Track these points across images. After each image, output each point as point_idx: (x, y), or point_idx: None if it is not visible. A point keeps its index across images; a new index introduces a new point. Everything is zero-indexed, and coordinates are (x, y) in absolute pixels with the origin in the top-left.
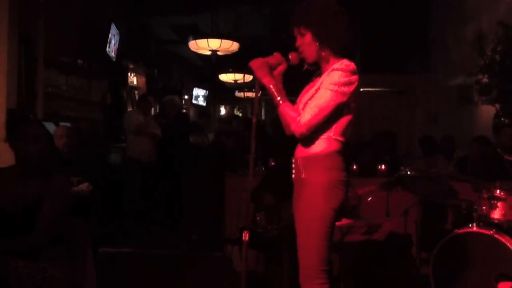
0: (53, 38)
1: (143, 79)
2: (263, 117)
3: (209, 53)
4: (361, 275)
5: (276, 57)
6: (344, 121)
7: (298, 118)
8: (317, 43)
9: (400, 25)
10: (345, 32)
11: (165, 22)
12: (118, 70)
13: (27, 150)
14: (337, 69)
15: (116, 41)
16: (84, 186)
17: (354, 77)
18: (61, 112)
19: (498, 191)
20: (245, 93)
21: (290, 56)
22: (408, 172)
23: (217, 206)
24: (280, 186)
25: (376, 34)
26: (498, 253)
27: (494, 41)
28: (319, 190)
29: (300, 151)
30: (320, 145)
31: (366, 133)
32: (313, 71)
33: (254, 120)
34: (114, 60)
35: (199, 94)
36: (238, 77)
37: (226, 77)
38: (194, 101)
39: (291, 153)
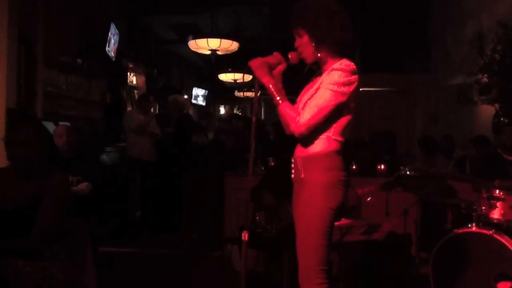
0: (53, 37)
1: (142, 79)
2: (262, 117)
3: (208, 52)
4: (361, 275)
5: (275, 56)
6: (343, 121)
7: (298, 118)
8: (313, 44)
9: (400, 25)
10: (342, 32)
11: (164, 21)
12: (117, 70)
13: (15, 155)
14: (337, 69)
15: (116, 41)
16: (83, 186)
17: (354, 77)
18: (60, 111)
19: (497, 191)
20: (245, 93)
21: (289, 56)
22: (408, 172)
23: (217, 205)
24: (280, 185)
25: (376, 34)
26: (497, 253)
27: (494, 40)
28: (318, 190)
29: (300, 151)
30: (319, 145)
31: (366, 133)
32: (313, 71)
33: (253, 119)
34: (113, 59)
35: (199, 94)
36: (238, 76)
37: (226, 77)
38: (193, 101)
39: (290, 153)
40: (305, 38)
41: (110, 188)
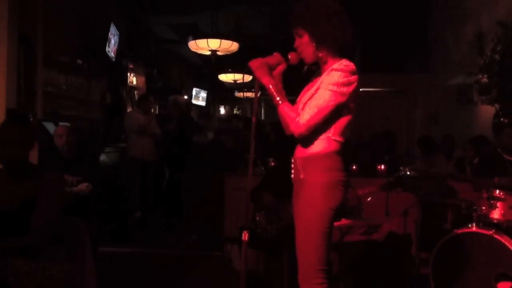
0: (53, 37)
1: (142, 79)
2: (262, 117)
3: (208, 53)
4: (361, 275)
5: (275, 57)
6: (343, 121)
7: (297, 119)
8: (313, 44)
9: (400, 25)
10: (342, 32)
11: (164, 21)
12: (117, 70)
13: (3, 154)
14: (337, 69)
15: (116, 41)
16: (83, 186)
17: (354, 77)
18: (60, 111)
19: (497, 191)
20: (245, 93)
21: (289, 56)
22: (408, 172)
23: (217, 205)
24: (280, 186)
25: (376, 34)
26: (497, 253)
27: (494, 40)
28: (318, 190)
29: (299, 151)
30: (319, 146)
31: (366, 133)
32: (312, 71)
33: (253, 120)
34: (113, 59)
35: (199, 94)
36: (238, 77)
37: (226, 77)
38: (193, 101)
39: (290, 153)
40: (305, 38)
41: (110, 188)
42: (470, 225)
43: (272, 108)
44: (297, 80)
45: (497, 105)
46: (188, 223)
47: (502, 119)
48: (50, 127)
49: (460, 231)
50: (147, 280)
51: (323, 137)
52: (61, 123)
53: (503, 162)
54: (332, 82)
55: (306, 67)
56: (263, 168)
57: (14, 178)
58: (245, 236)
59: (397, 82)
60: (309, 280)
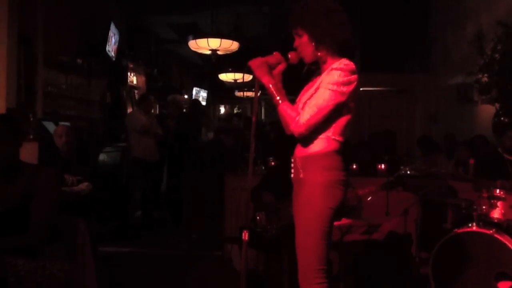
0: (53, 37)
1: (142, 79)
2: (262, 117)
3: (209, 52)
4: (361, 275)
5: (275, 56)
6: (343, 121)
7: (297, 118)
8: (313, 44)
9: (400, 24)
10: (341, 31)
11: (164, 21)
12: (117, 69)
13: None
14: (336, 69)
15: (116, 40)
16: (84, 186)
17: (353, 77)
18: (60, 111)
19: (498, 191)
20: (245, 93)
21: (289, 56)
22: (408, 172)
23: (217, 205)
24: (280, 185)
25: (376, 33)
26: (497, 253)
27: (494, 40)
28: (318, 189)
29: (299, 151)
30: (318, 145)
31: (366, 133)
32: (312, 71)
33: (253, 119)
34: (113, 59)
35: (199, 94)
36: (238, 76)
37: (226, 77)
38: None
39: (290, 153)
40: (305, 38)
41: (110, 188)
42: (470, 225)
43: (272, 107)
44: (297, 79)
45: (497, 105)
46: (188, 223)
47: (502, 119)
48: (50, 127)
49: (460, 230)
50: (147, 280)
51: (323, 136)
52: (61, 123)
53: (504, 162)
54: (332, 82)
55: (306, 67)
56: (263, 168)
57: (5, 177)
58: (245, 235)
59: (397, 82)
60: (309, 280)
